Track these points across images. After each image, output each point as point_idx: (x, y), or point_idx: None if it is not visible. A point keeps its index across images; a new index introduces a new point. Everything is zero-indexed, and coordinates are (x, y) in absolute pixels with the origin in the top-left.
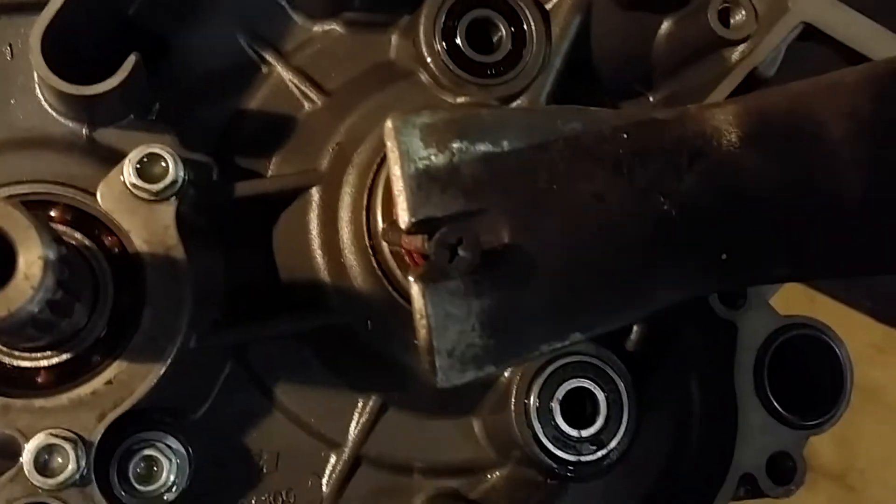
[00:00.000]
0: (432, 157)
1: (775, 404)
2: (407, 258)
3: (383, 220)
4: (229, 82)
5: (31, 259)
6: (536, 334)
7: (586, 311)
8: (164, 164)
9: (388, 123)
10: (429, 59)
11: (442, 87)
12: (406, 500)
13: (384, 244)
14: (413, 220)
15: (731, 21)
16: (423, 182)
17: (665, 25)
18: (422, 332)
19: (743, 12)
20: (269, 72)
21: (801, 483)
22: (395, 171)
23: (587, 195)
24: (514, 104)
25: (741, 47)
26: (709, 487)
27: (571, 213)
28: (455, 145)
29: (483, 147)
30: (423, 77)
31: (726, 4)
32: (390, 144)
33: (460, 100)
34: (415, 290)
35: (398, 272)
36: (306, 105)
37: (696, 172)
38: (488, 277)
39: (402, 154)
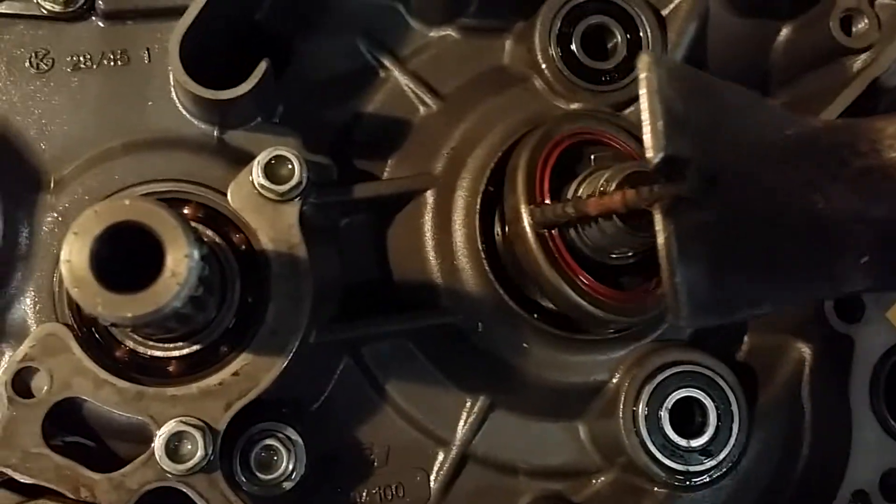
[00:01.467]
0: (675, 101)
1: (891, 421)
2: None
3: (528, 203)
4: (349, 86)
5: (178, 258)
6: (742, 295)
7: (770, 283)
8: (290, 165)
9: (645, 57)
10: (543, 65)
11: (555, 93)
12: (511, 501)
13: (527, 230)
14: (663, 154)
15: (854, 29)
16: (668, 121)
17: (784, 32)
18: (667, 268)
19: (866, 20)
20: (386, 76)
21: None
22: (648, 104)
23: (771, 176)
24: (628, 111)
25: (863, 56)
26: (820, 502)
27: (762, 188)
28: (690, 96)
29: (705, 105)
30: (537, 83)
31: (848, 12)
32: (646, 77)
33: (573, 106)
34: (660, 222)
35: (528, 265)
36: (421, 109)
37: (843, 179)
38: (713, 227)
39: (656, 91)
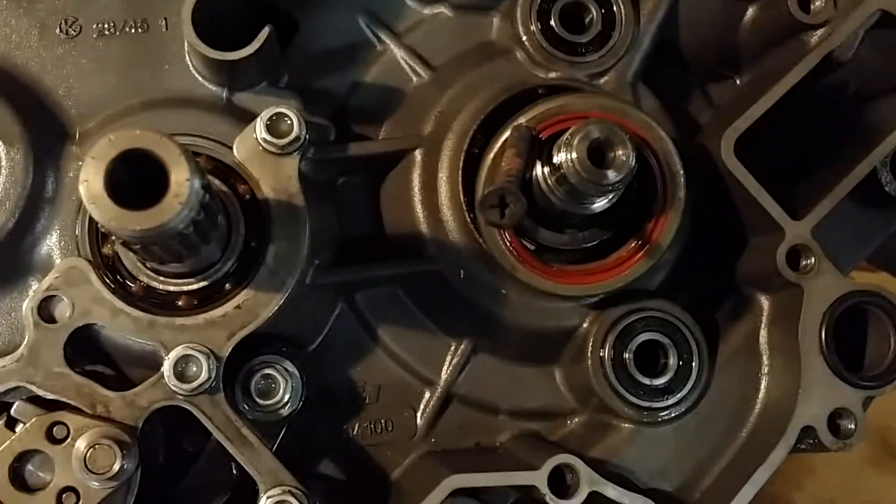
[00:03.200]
0: None
1: (838, 363)
2: None
3: None
4: (349, 58)
5: (181, 181)
6: None
7: None
8: (289, 122)
9: None
10: (524, 38)
11: (535, 64)
12: (492, 437)
13: None
14: None
15: (811, 7)
16: None
17: (750, 11)
18: None
19: None
20: (383, 50)
21: (861, 439)
22: None
23: None
24: (602, 80)
25: (820, 31)
26: (773, 438)
27: None
28: None
29: None
30: (519, 54)
31: None
32: None
33: (552, 75)
34: None
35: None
36: (414, 79)
37: None
38: None
39: None
